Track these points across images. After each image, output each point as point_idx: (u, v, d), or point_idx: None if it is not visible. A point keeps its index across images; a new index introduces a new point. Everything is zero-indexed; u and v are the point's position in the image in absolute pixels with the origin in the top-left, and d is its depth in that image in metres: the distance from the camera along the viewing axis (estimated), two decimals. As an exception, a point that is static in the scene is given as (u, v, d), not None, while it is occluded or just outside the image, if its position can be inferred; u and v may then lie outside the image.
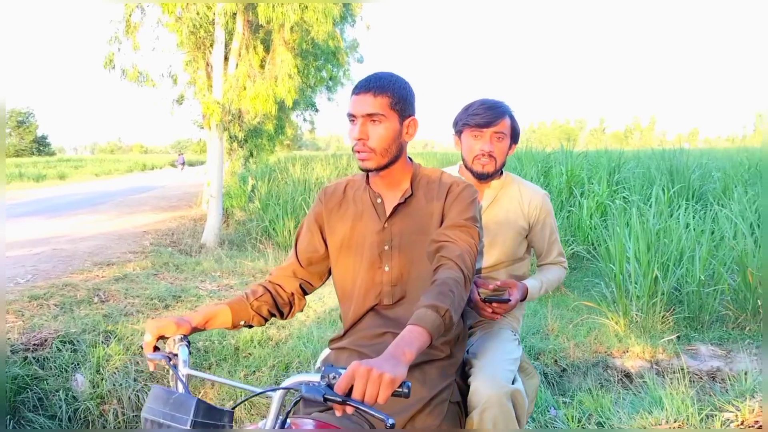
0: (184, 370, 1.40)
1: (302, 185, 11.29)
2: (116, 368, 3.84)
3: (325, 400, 1.08)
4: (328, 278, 1.80)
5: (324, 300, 5.71)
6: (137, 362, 3.97)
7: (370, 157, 1.59)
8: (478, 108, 2.17)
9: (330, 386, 1.10)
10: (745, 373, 3.99)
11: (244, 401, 1.36)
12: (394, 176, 1.65)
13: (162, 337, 1.48)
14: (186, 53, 10.90)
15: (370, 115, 1.57)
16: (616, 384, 4.10)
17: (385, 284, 1.62)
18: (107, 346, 4.03)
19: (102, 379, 3.74)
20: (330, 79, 17.46)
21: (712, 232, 5.88)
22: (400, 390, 1.10)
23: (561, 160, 10.43)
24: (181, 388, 1.34)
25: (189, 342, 1.48)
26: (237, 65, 9.47)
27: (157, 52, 13.56)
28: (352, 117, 1.59)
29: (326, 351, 1.90)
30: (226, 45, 9.57)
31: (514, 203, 2.25)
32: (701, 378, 4.17)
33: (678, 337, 4.68)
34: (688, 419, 2.74)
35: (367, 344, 1.60)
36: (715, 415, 2.78)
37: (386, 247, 1.63)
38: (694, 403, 2.89)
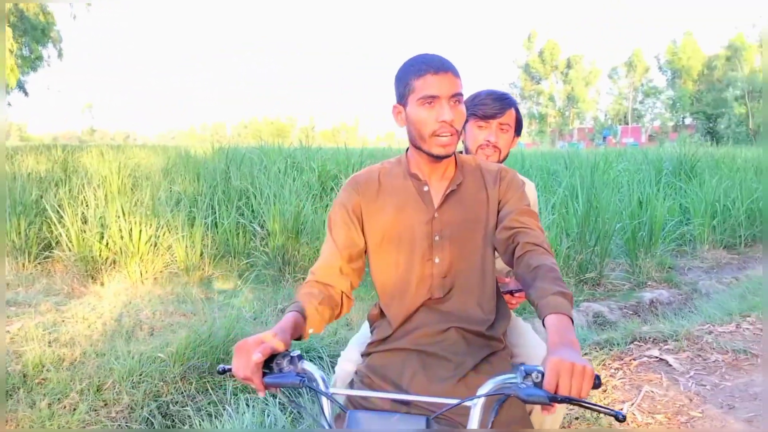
0: (330, 390, 1.19)
1: (25, 181, 9.63)
2: None
3: (551, 401, 1.02)
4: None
5: (96, 309, 5.06)
6: None
7: (454, 141, 1.49)
8: (485, 98, 2.17)
9: (536, 385, 1.05)
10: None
11: (441, 413, 1.19)
12: (444, 162, 1.56)
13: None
14: None
15: (455, 95, 1.48)
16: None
17: (435, 277, 1.53)
18: None
19: None
20: (36, 59, 15.27)
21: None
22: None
23: (303, 156, 10.82)
24: (328, 411, 1.14)
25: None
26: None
27: None
28: (431, 98, 1.46)
29: (347, 359, 1.75)
30: None
31: None
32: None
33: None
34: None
35: (430, 342, 1.50)
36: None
37: (436, 238, 1.54)
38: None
